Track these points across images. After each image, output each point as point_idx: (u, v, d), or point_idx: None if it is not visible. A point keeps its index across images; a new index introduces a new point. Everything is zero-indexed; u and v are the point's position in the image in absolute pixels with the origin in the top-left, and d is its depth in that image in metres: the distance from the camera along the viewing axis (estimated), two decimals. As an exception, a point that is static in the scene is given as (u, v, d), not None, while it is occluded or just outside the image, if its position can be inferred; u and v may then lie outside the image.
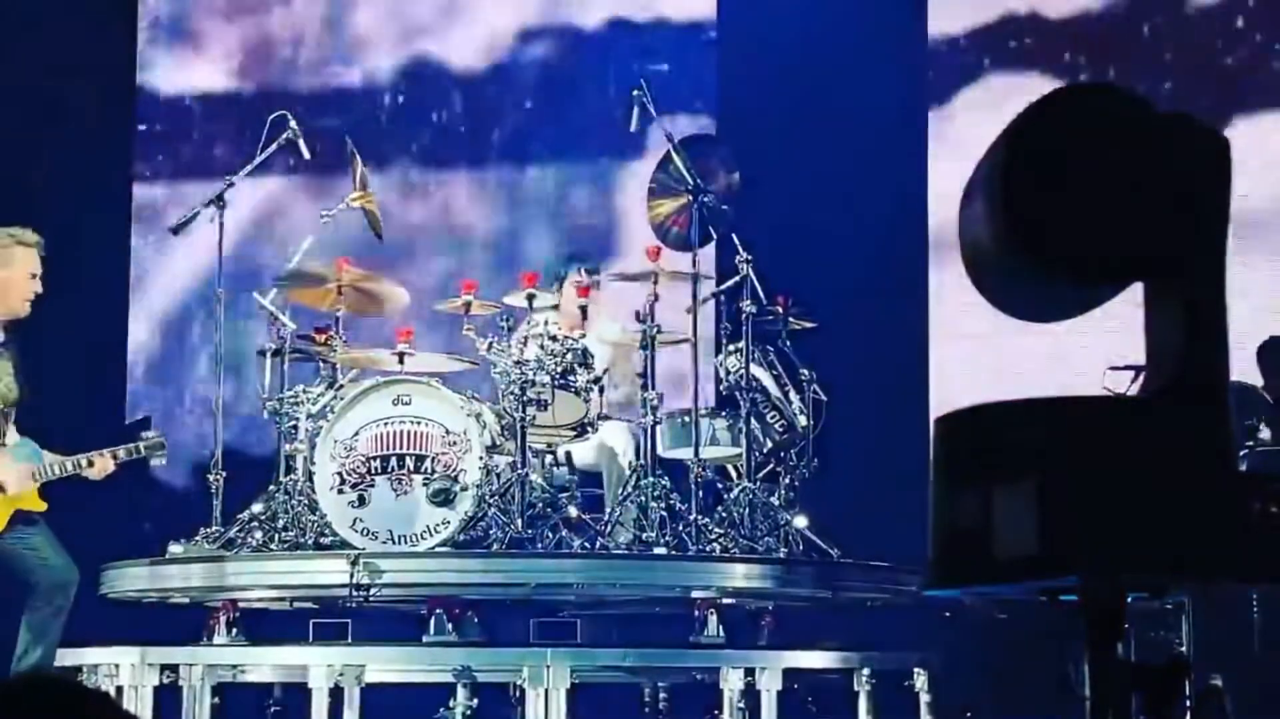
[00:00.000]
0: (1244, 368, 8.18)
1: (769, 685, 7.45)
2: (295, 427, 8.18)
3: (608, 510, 8.25)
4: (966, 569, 2.93)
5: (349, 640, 7.80)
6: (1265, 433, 7.95)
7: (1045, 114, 2.85)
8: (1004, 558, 2.85)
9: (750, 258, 8.39)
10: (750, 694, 7.47)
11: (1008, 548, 2.84)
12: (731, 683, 7.41)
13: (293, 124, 8.67)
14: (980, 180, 2.92)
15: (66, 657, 7.69)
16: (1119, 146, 2.82)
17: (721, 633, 7.79)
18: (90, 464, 7.26)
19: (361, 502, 7.80)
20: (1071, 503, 2.81)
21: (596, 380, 8.22)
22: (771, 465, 8.46)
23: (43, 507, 7.19)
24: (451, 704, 7.84)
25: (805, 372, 8.48)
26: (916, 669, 7.96)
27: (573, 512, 7.99)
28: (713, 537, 7.99)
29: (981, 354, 10.06)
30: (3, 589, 7.21)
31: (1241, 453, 7.97)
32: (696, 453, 8.11)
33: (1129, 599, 3.06)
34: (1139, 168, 2.82)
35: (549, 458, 8.42)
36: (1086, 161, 2.82)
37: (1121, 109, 2.84)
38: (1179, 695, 2.92)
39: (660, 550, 7.84)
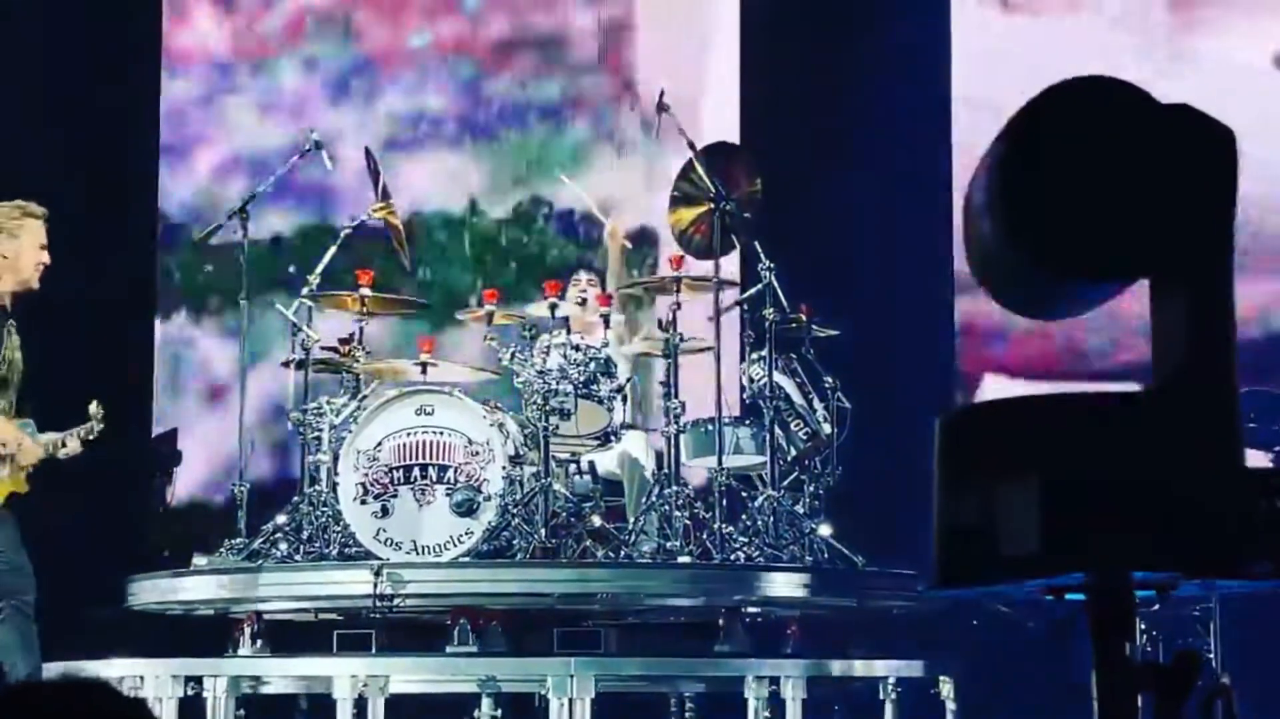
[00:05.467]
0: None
1: (794, 695, 7.42)
2: (319, 438, 8.18)
3: (631, 520, 8.23)
4: (970, 568, 2.90)
5: (373, 651, 7.79)
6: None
7: (1046, 107, 2.82)
8: (1008, 556, 2.82)
9: (773, 265, 8.37)
10: (775, 703, 7.45)
11: (1012, 546, 2.80)
12: (756, 692, 7.39)
13: (315, 135, 8.70)
14: (982, 175, 2.90)
15: (90, 669, 7.70)
16: (1120, 139, 2.79)
17: (746, 642, 7.77)
18: (64, 445, 7.14)
19: (385, 512, 7.79)
20: (1076, 499, 2.78)
21: (619, 389, 8.21)
22: (796, 474, 8.44)
23: (26, 489, 7.11)
24: (476, 714, 7.84)
25: (829, 379, 8.45)
26: (942, 678, 7.93)
27: (596, 521, 7.98)
28: (737, 546, 7.97)
29: (1008, 358, 10.02)
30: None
31: (1269, 458, 7.92)
32: (720, 462, 8.09)
33: (1144, 600, 3.04)
34: (1141, 161, 2.79)
35: (572, 467, 8.41)
36: (1087, 155, 2.79)
37: (1123, 101, 2.81)
38: (1189, 694, 2.88)
39: (684, 560, 7.82)
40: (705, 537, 7.91)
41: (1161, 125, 2.82)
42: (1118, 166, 2.82)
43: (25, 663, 6.88)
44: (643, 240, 10.59)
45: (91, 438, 7.12)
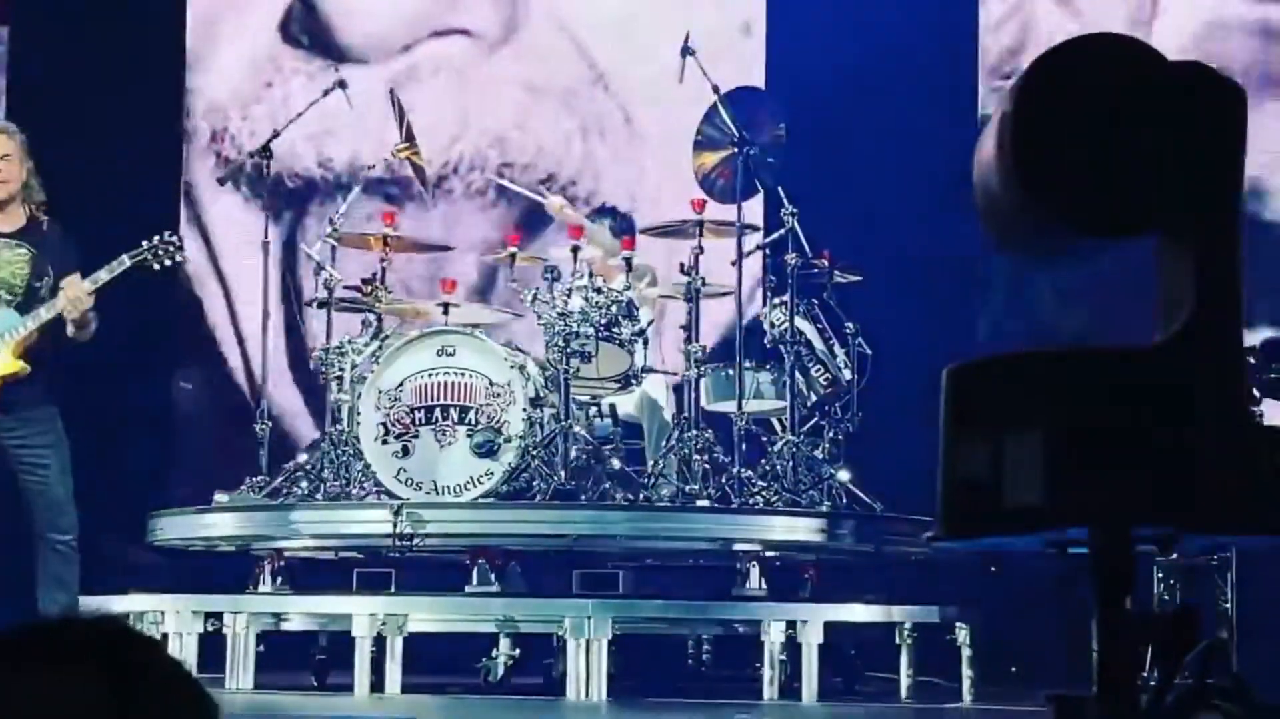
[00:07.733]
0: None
1: (810, 638, 7.45)
2: (340, 377, 8.21)
3: (650, 463, 8.25)
4: (975, 521, 2.92)
5: (392, 590, 7.84)
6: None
7: (1056, 62, 2.83)
8: (1012, 509, 2.84)
9: (795, 211, 8.36)
10: (792, 647, 7.48)
11: (1016, 499, 2.82)
12: (773, 636, 7.42)
13: (339, 75, 8.70)
14: (992, 128, 2.90)
15: (113, 603, 7.76)
16: (1130, 95, 2.79)
17: (763, 586, 7.80)
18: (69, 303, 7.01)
19: (405, 452, 7.83)
20: (1080, 453, 2.79)
21: (641, 333, 8.21)
22: (815, 419, 8.44)
23: (24, 368, 7.03)
24: (494, 654, 7.90)
25: (850, 325, 8.45)
26: (959, 624, 7.95)
27: (616, 463, 7.99)
28: (755, 489, 7.99)
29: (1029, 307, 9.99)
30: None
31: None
32: (740, 406, 8.10)
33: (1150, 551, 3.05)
34: (1149, 117, 2.79)
35: (593, 410, 8.43)
36: (1097, 110, 2.80)
37: (1133, 57, 2.81)
38: (1189, 647, 2.90)
39: (703, 503, 7.84)
40: (724, 481, 7.93)
41: (1171, 81, 2.82)
42: (1125, 122, 2.82)
43: (62, 601, 6.94)
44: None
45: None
